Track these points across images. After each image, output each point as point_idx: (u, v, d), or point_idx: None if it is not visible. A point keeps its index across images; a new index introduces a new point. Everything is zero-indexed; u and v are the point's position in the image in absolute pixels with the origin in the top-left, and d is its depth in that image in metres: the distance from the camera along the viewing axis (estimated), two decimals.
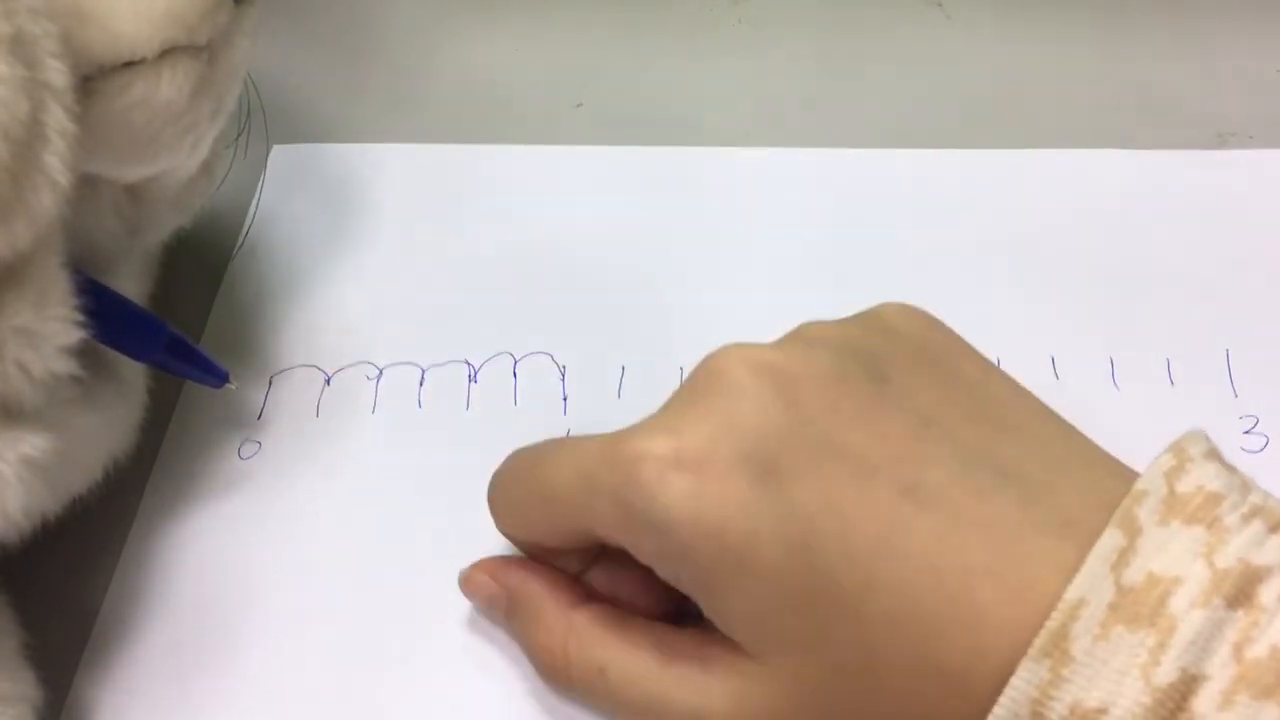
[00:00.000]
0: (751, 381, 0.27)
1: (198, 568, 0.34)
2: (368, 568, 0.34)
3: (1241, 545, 0.23)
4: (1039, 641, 0.23)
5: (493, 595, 0.32)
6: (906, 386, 0.28)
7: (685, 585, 0.27)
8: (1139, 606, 0.23)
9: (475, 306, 0.40)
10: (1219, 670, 0.22)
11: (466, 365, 0.39)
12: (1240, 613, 0.23)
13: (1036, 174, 0.44)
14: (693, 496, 0.26)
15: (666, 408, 0.28)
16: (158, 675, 0.32)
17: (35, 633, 0.31)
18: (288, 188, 0.44)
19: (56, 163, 0.26)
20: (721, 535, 0.26)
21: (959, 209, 0.43)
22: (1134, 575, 0.23)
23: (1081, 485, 0.26)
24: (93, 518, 0.32)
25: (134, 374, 0.34)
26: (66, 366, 0.28)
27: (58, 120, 0.26)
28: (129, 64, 0.29)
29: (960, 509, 0.25)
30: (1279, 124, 0.46)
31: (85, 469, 0.32)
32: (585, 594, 0.31)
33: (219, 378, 0.35)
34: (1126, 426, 0.36)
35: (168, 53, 0.29)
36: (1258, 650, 0.22)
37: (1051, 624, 0.23)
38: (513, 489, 0.31)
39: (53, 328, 0.28)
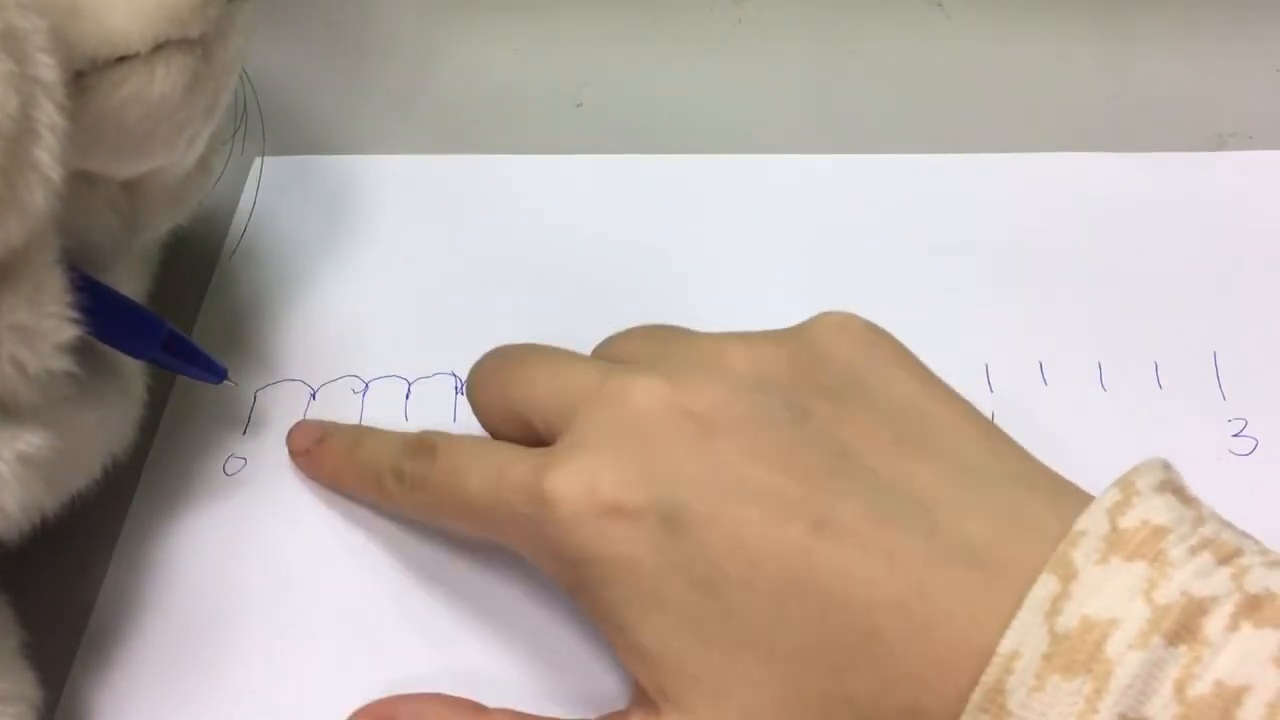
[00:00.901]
0: (670, 430, 0.27)
1: (182, 586, 0.34)
2: (354, 579, 0.34)
3: (1185, 578, 0.23)
4: (975, 697, 0.23)
5: None
6: (830, 418, 0.28)
7: (599, 619, 0.28)
8: (1074, 653, 0.23)
9: (461, 318, 0.40)
10: (1160, 712, 0.22)
11: (453, 377, 0.39)
12: (1182, 649, 0.22)
13: (1032, 178, 0.44)
14: (606, 537, 0.27)
15: (584, 440, 0.28)
16: (152, 674, 0.32)
17: (31, 631, 0.31)
18: (273, 201, 0.44)
19: (48, 158, 0.26)
20: (633, 574, 0.26)
21: (954, 213, 0.43)
22: (1068, 621, 0.23)
23: (995, 509, 0.26)
24: (90, 515, 0.32)
25: (133, 371, 0.34)
26: (62, 363, 0.28)
27: (49, 115, 0.26)
28: (122, 59, 0.28)
29: (869, 541, 0.25)
30: (1279, 124, 0.46)
31: (84, 466, 0.32)
32: (478, 706, 0.30)
33: (218, 374, 0.35)
34: (1114, 431, 0.37)
35: (160, 47, 0.29)
36: (1200, 687, 0.22)
37: (986, 679, 0.23)
38: (432, 491, 0.31)
39: (48, 325, 0.27)
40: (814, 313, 0.32)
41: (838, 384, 0.29)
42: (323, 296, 0.41)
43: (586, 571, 0.27)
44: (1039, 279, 0.41)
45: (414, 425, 0.32)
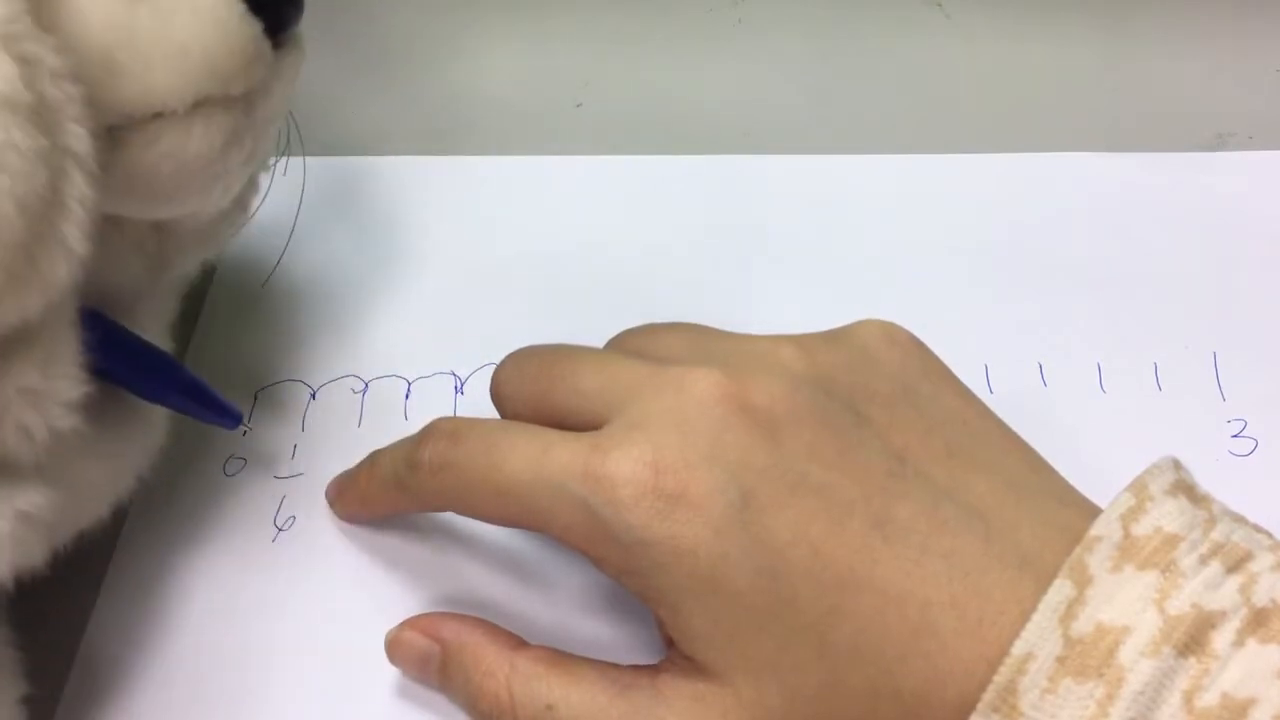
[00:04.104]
0: (735, 419, 0.27)
1: (182, 587, 0.34)
2: (352, 584, 0.34)
3: (1195, 589, 0.23)
4: (987, 696, 0.24)
5: (424, 653, 0.31)
6: (886, 424, 0.28)
7: (651, 600, 0.28)
8: (1087, 658, 0.23)
9: (461, 318, 0.40)
10: None
11: (453, 377, 0.39)
12: (1192, 660, 0.23)
13: (1032, 178, 0.45)
14: (668, 519, 0.26)
15: (643, 422, 0.28)
16: (151, 675, 0.32)
17: (25, 632, 0.30)
18: (269, 202, 0.44)
19: (75, 232, 0.24)
20: (693, 556, 0.26)
21: (954, 213, 0.43)
22: (1083, 626, 0.23)
23: (1044, 520, 0.26)
24: (82, 534, 0.31)
25: (156, 414, 0.33)
26: (70, 422, 0.27)
27: (78, 188, 0.24)
28: (159, 115, 0.27)
29: (927, 542, 0.26)
30: (1279, 124, 0.46)
31: (90, 513, 0.31)
32: (522, 640, 0.30)
33: (234, 420, 0.35)
34: (1114, 432, 0.37)
35: (200, 104, 0.28)
36: (1208, 699, 0.22)
37: (999, 678, 0.24)
38: (460, 474, 0.30)
39: (59, 386, 0.26)
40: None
41: (890, 392, 0.29)
42: (322, 296, 0.41)
43: (643, 555, 0.27)
44: (1039, 279, 0.41)
45: (414, 425, 0.32)
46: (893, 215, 0.43)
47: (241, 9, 0.28)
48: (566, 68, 0.47)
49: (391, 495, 0.32)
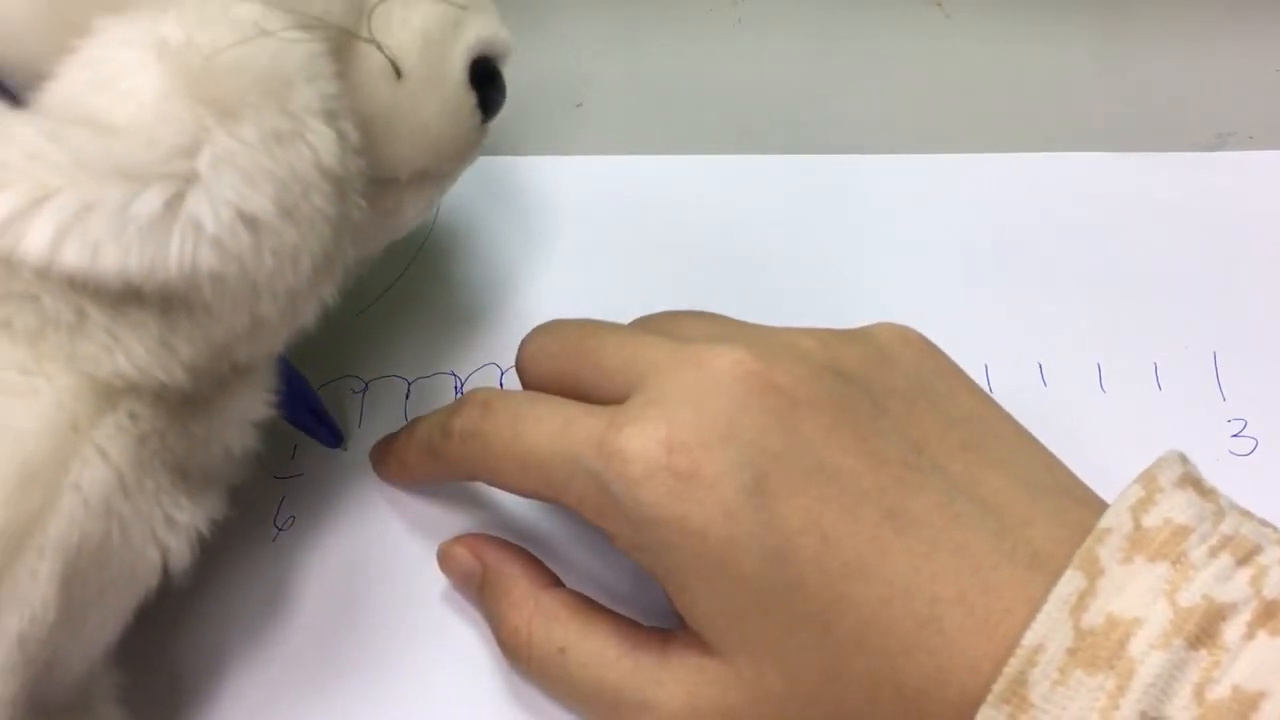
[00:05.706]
0: (755, 400, 0.27)
1: (181, 587, 0.34)
2: (351, 584, 0.34)
3: (1206, 581, 0.23)
4: (998, 687, 0.23)
5: (469, 571, 0.32)
6: (904, 417, 0.28)
7: (659, 576, 0.28)
8: (1098, 650, 0.23)
9: (460, 318, 0.41)
10: (1180, 713, 0.22)
11: (452, 377, 0.39)
12: (1202, 652, 0.22)
13: (1032, 178, 0.45)
14: (679, 498, 0.26)
15: (662, 398, 0.28)
16: (142, 698, 0.32)
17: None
18: None
19: (330, 287, 0.27)
20: (702, 537, 0.26)
21: (953, 213, 0.43)
22: (1093, 618, 0.23)
23: (1057, 518, 0.26)
24: None
25: None
26: (255, 442, 0.29)
27: (345, 252, 0.27)
28: (384, 181, 0.29)
29: (938, 536, 0.26)
30: (1279, 124, 0.46)
31: None
32: (558, 580, 0.31)
33: (337, 439, 0.36)
34: (1114, 432, 0.37)
35: (416, 175, 0.30)
36: (1219, 691, 0.22)
37: (1010, 670, 0.23)
38: (486, 443, 0.30)
39: (259, 410, 0.29)
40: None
41: (906, 387, 0.29)
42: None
43: (652, 533, 0.27)
44: (1039, 279, 0.41)
45: None
46: (893, 215, 0.43)
47: (474, 102, 0.30)
48: (566, 68, 0.47)
49: (425, 462, 0.33)
